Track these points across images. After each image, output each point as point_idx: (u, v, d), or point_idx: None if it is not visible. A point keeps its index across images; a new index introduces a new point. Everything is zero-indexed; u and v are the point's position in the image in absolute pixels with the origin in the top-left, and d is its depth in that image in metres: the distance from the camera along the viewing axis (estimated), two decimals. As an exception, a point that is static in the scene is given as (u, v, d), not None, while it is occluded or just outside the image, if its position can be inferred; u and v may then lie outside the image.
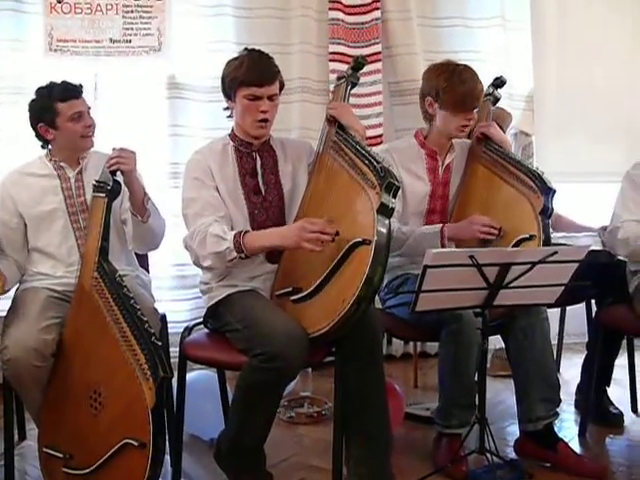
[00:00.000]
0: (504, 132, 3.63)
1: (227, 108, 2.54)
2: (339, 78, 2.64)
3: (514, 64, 4.13)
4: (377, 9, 3.89)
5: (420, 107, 2.85)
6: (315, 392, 3.36)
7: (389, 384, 2.95)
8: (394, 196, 2.16)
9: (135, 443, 2.10)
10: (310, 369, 3.43)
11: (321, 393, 3.30)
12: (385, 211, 2.13)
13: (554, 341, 3.88)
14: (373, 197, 2.16)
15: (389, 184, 2.14)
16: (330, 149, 2.47)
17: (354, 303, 2.08)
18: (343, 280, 2.16)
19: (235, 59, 2.48)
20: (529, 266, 2.02)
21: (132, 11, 3.68)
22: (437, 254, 1.95)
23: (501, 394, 3.38)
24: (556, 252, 2.03)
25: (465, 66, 2.77)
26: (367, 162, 2.24)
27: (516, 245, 2.47)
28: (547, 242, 2.45)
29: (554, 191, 2.49)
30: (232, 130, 2.56)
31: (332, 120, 2.50)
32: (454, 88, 2.67)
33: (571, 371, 3.55)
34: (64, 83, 2.62)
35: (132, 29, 3.68)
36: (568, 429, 3.09)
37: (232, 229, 2.37)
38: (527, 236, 2.46)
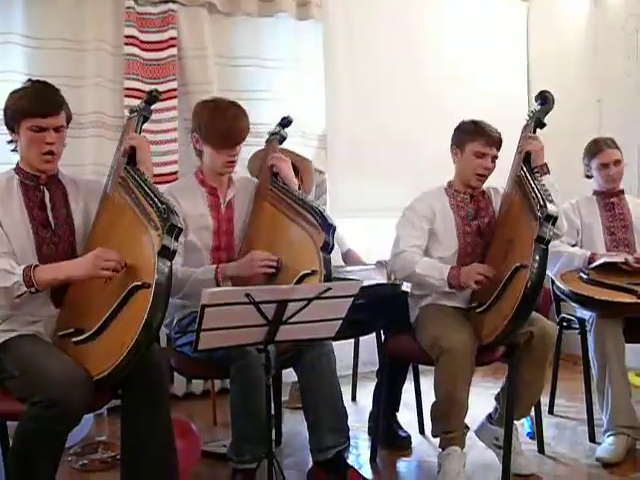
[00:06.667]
0: (309, 180, 3.70)
1: (11, 141, 2.44)
2: (132, 111, 2.66)
3: (308, 104, 4.31)
4: (173, 46, 3.92)
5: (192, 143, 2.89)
6: (111, 436, 3.24)
7: (185, 423, 2.93)
8: (176, 238, 2.16)
9: None
10: (106, 412, 3.32)
11: (117, 437, 3.17)
12: (166, 253, 2.12)
13: (349, 371, 4.08)
14: (155, 239, 2.15)
15: (171, 226, 2.14)
16: (118, 185, 2.44)
17: (133, 347, 2.07)
18: (123, 323, 2.14)
19: (18, 90, 2.39)
20: (305, 302, 2.09)
21: None
22: (213, 293, 1.97)
23: (300, 426, 3.43)
24: (330, 288, 2.11)
25: (231, 103, 2.82)
26: (151, 202, 2.23)
27: (300, 280, 2.51)
28: (328, 277, 2.51)
29: (334, 227, 2.57)
30: (17, 164, 2.45)
31: (126, 152, 2.47)
32: (215, 124, 2.71)
33: (366, 399, 3.68)
34: None
35: None
36: (362, 455, 3.21)
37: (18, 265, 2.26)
38: (309, 271, 2.51)
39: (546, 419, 3.46)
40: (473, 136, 2.97)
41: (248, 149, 4.06)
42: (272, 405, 3.21)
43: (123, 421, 2.32)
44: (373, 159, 4.40)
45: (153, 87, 3.18)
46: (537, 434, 3.19)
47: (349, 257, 3.78)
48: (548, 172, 2.87)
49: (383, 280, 3.10)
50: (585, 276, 3.23)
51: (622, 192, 3.58)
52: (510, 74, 4.91)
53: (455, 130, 3.06)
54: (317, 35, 4.37)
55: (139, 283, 2.12)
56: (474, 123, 3.00)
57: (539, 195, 2.63)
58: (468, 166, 2.99)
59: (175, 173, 3.79)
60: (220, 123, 2.71)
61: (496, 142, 2.96)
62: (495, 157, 2.97)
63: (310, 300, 2.08)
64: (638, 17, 4.38)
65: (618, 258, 3.29)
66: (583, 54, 4.76)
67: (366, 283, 3.00)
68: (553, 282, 3.46)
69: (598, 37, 4.64)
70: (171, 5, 3.92)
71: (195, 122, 2.81)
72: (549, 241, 2.58)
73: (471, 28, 4.81)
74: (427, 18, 4.70)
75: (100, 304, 2.21)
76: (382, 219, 4.30)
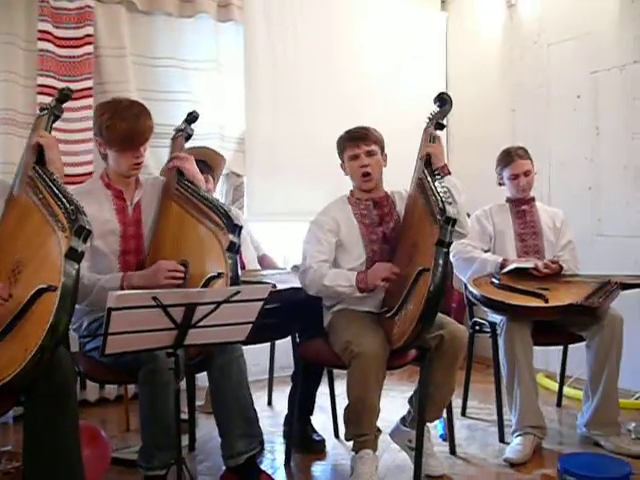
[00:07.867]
0: (218, 175, 3.73)
1: None
2: (42, 109, 2.59)
3: (227, 106, 4.28)
4: (90, 44, 3.82)
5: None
6: (16, 446, 3.11)
7: (93, 430, 2.87)
8: (84, 240, 2.11)
9: None
10: (11, 421, 3.21)
11: (23, 446, 3.09)
12: (74, 256, 2.08)
13: (265, 375, 4.07)
14: (62, 240, 2.11)
15: (79, 228, 2.10)
16: (26, 185, 2.37)
17: (37, 352, 2.00)
18: (27, 327, 2.07)
19: None
20: (214, 306, 2.07)
21: None
22: (120, 296, 1.92)
23: (214, 430, 3.38)
24: (239, 292, 2.09)
25: (132, 102, 2.74)
26: (60, 203, 2.19)
27: (206, 283, 2.46)
28: (235, 280, 2.46)
29: (240, 227, 2.53)
30: None
31: (33, 149, 2.41)
32: (115, 127, 2.61)
33: (282, 403, 3.68)
34: None
35: None
36: (277, 459, 3.20)
37: None
38: (215, 274, 2.46)
39: (458, 421, 3.55)
40: (342, 145, 3.06)
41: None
42: (185, 409, 3.21)
43: (26, 430, 2.22)
44: (291, 163, 4.40)
45: (66, 85, 3.12)
46: (449, 436, 3.24)
47: (264, 262, 3.78)
48: (449, 173, 2.89)
49: (298, 284, 3.09)
50: (496, 281, 3.32)
51: (533, 200, 3.70)
52: (429, 83, 4.98)
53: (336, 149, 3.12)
54: (238, 37, 4.35)
55: (44, 286, 2.06)
56: (343, 134, 3.07)
57: (438, 198, 2.65)
58: (353, 172, 3.03)
59: (90, 174, 3.68)
60: (120, 125, 2.61)
61: (361, 138, 2.99)
62: (369, 152, 2.98)
63: (219, 303, 2.06)
64: (550, 32, 4.53)
65: (528, 264, 3.39)
66: (499, 65, 4.90)
67: (280, 287, 3.00)
68: (466, 287, 3.53)
69: (513, 50, 4.79)
70: (88, 1, 3.82)
71: (96, 126, 2.71)
72: (450, 244, 2.61)
73: (391, 36, 4.89)
74: (348, 25, 4.74)
75: (3, 307, 2.13)
76: (299, 223, 4.29)
